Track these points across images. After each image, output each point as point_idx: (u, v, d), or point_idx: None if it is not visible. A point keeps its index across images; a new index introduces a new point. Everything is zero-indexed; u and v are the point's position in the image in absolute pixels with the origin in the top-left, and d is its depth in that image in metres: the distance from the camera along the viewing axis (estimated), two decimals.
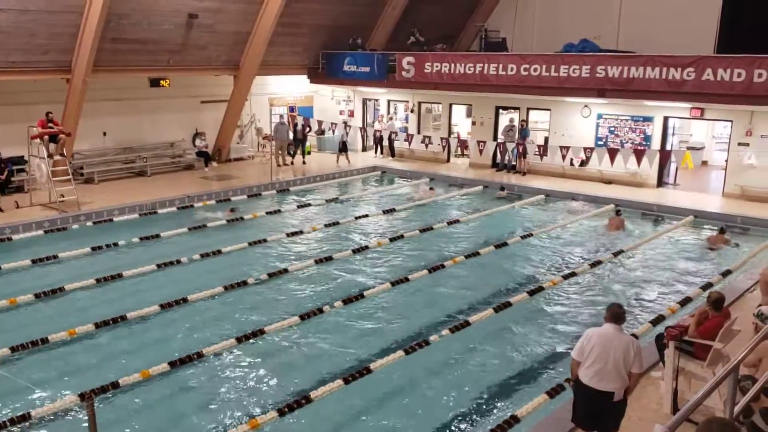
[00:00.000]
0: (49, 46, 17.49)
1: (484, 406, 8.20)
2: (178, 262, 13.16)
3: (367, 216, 16.99)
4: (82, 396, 7.91)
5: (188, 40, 20.29)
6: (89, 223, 15.88)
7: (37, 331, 9.87)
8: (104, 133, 20.89)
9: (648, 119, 19.67)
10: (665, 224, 16.48)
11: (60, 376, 8.79)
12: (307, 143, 24.54)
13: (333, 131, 24.25)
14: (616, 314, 6.52)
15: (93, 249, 13.88)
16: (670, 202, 18.02)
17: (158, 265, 12.86)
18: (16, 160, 18.20)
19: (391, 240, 14.87)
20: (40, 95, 18.16)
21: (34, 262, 13.03)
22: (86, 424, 7.38)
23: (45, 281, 11.98)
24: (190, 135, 22.92)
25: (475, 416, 7.99)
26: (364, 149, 26.15)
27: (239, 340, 9.71)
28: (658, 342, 8.01)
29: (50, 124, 17.07)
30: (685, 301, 11.27)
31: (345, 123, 23.65)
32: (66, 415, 7.81)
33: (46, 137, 16.93)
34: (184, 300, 11.14)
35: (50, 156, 16.86)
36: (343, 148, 23.46)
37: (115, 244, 14.22)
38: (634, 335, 9.81)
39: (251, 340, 9.76)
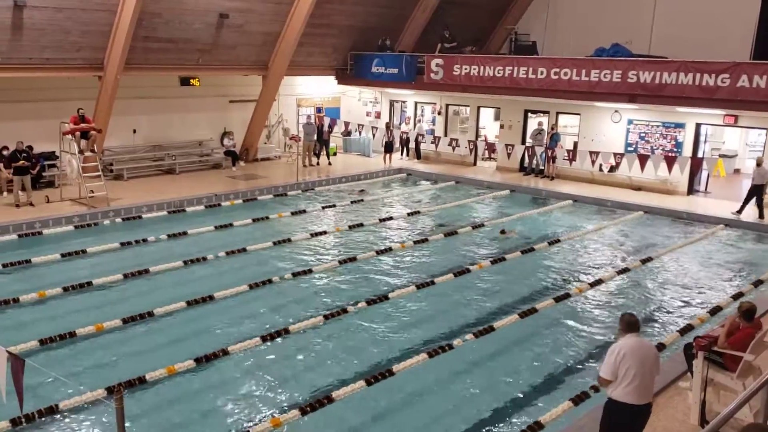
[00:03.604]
0: (82, 43, 17.76)
1: (508, 412, 8.12)
2: (204, 259, 13.27)
3: (391, 218, 16.97)
4: (109, 389, 8.00)
5: (218, 39, 20.47)
6: (118, 219, 16.09)
7: (65, 324, 10.01)
8: (134, 131, 21.15)
9: (680, 126, 19.40)
10: (695, 232, 16.21)
11: (86, 370, 8.88)
12: (332, 144, 24.62)
13: (359, 132, 24.28)
14: (633, 323, 6.34)
15: (122, 244, 14.04)
16: (700, 210, 17.75)
17: (185, 262, 12.98)
18: (47, 156, 18.52)
19: (416, 243, 14.83)
20: (73, 92, 18.46)
21: (63, 256, 13.21)
22: (110, 418, 7.47)
23: (73, 275, 12.13)
24: (219, 134, 23.12)
25: (497, 421, 7.91)
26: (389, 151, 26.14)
27: (264, 338, 9.75)
28: (687, 352, 7.87)
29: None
30: (715, 311, 11.08)
31: (387, 125, 24.06)
32: (92, 408, 7.88)
33: (78, 133, 17.18)
34: (210, 297, 11.21)
35: (81, 152, 17.11)
36: (389, 148, 23.54)
37: (144, 240, 14.38)
38: (662, 344, 9.72)
39: (275, 339, 9.80)
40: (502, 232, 15.67)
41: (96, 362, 9.12)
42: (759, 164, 16.73)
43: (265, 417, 7.79)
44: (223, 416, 7.91)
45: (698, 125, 19.25)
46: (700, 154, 19.27)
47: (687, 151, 19.18)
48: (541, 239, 15.33)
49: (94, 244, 13.90)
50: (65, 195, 17.31)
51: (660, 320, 11.00)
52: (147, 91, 20.65)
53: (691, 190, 19.73)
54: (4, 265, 12.49)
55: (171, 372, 8.67)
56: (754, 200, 16.81)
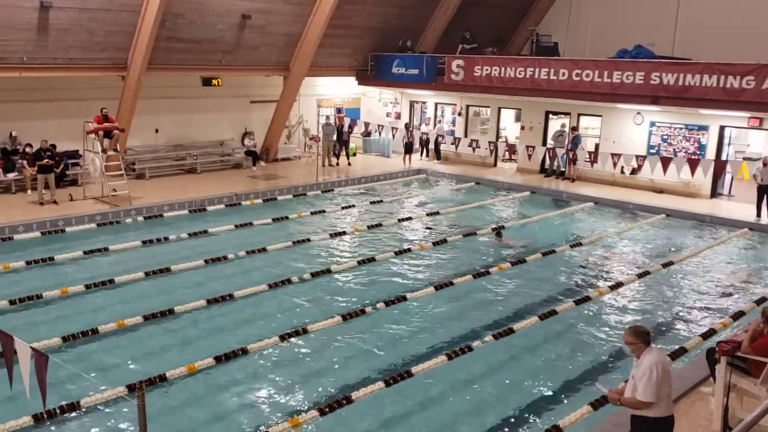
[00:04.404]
0: (106, 43, 17.96)
1: (526, 415, 8.07)
2: (225, 258, 13.34)
3: (410, 218, 16.95)
4: (130, 387, 8.07)
5: (241, 40, 20.59)
6: (140, 218, 16.24)
7: (88, 321, 10.12)
8: (156, 130, 21.33)
9: (703, 128, 19.18)
10: (718, 236, 16.03)
11: (108, 367, 8.97)
12: (352, 145, 24.65)
13: (379, 133, 24.30)
14: (649, 334, 6.05)
15: (143, 243, 14.17)
16: (723, 214, 17.54)
17: (205, 261, 13.06)
18: (71, 154, 18.76)
19: (435, 244, 14.80)
20: (96, 91, 18.66)
21: (86, 254, 13.36)
22: (131, 415, 7.54)
23: (96, 273, 12.28)
24: (239, 134, 23.25)
25: (516, 424, 7.87)
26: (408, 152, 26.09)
27: (282, 338, 9.78)
28: (709, 357, 7.78)
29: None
30: (738, 316, 10.94)
31: (406, 125, 24.04)
32: (114, 405, 7.95)
33: (101, 132, 17.36)
34: (230, 296, 11.27)
35: (104, 151, 17.28)
36: (408, 149, 23.51)
37: (165, 239, 14.50)
38: (683, 349, 9.63)
39: (294, 339, 9.83)
40: (498, 235, 15.13)
41: (117, 359, 9.20)
42: (765, 164, 16.60)
43: (284, 416, 7.81)
44: (242, 415, 7.95)
45: (722, 128, 19.02)
46: (723, 157, 19.05)
47: (710, 153, 18.96)
48: (561, 241, 15.23)
49: (116, 242, 14.04)
50: (88, 193, 17.51)
51: (682, 324, 10.89)
52: (169, 91, 20.82)
53: (715, 193, 19.51)
54: (27, 263, 12.65)
55: (191, 370, 8.73)
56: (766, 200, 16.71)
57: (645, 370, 5.80)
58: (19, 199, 17.18)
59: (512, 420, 7.96)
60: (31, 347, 5.39)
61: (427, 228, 15.93)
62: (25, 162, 17.35)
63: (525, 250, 14.45)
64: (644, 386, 5.79)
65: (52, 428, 7.51)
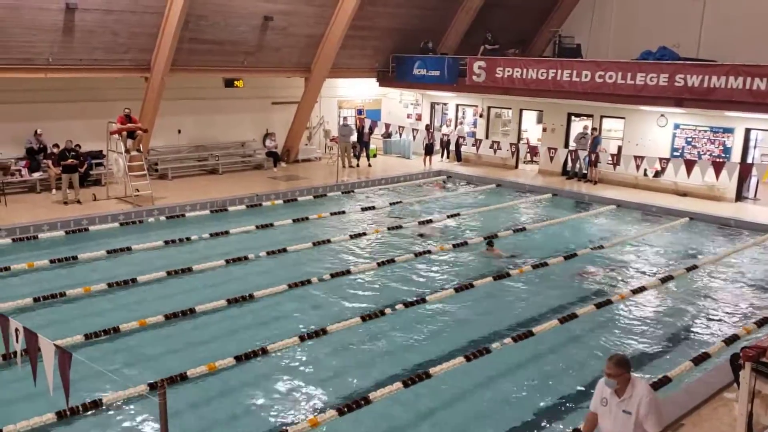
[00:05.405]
0: (130, 45, 18.15)
1: (546, 418, 8.01)
2: (246, 258, 13.41)
3: (430, 221, 16.90)
4: (152, 385, 8.14)
5: (263, 41, 20.70)
6: (162, 218, 16.37)
7: (110, 319, 10.22)
8: (179, 131, 21.50)
9: (728, 131, 18.94)
10: (743, 240, 15.81)
11: (129, 365, 9.04)
12: (372, 146, 24.66)
13: (400, 134, 24.31)
14: (629, 361, 5.72)
15: (165, 242, 14.29)
16: (749, 218, 17.29)
17: (226, 261, 13.14)
18: (95, 155, 18.97)
19: (455, 246, 14.75)
20: (120, 92, 18.86)
21: (108, 252, 13.51)
22: (153, 413, 7.60)
23: (118, 272, 12.39)
24: (261, 135, 23.37)
25: (535, 427, 7.82)
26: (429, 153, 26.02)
27: (302, 338, 9.81)
28: (733, 362, 7.66)
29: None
30: (763, 322, 10.77)
31: (427, 127, 24.12)
32: (136, 402, 8.02)
33: (124, 133, 17.55)
34: (251, 296, 11.33)
35: (127, 151, 17.47)
36: (429, 150, 23.49)
37: (187, 239, 14.61)
38: (707, 354, 9.49)
39: (314, 339, 9.84)
40: (490, 244, 14.54)
41: (139, 357, 9.28)
42: None
43: (303, 416, 7.83)
44: (261, 414, 7.98)
45: (748, 130, 18.77)
46: (749, 160, 18.78)
47: (736, 156, 18.72)
48: (582, 244, 15.11)
49: (138, 242, 14.18)
50: (111, 193, 17.71)
51: (705, 329, 10.74)
52: (192, 92, 20.99)
53: (740, 196, 19.25)
54: (51, 261, 12.82)
55: (212, 369, 8.79)
56: None
57: (648, 400, 5.44)
58: (43, 198, 17.42)
59: (531, 423, 7.90)
60: (54, 345, 5.45)
61: (419, 235, 15.59)
62: (50, 162, 17.58)
63: (521, 260, 13.96)
64: (656, 416, 5.43)
65: (75, 425, 7.59)
